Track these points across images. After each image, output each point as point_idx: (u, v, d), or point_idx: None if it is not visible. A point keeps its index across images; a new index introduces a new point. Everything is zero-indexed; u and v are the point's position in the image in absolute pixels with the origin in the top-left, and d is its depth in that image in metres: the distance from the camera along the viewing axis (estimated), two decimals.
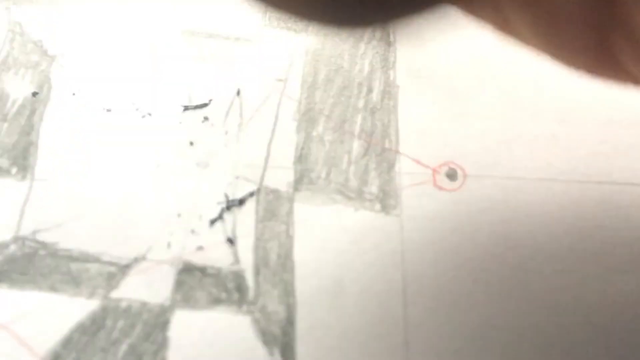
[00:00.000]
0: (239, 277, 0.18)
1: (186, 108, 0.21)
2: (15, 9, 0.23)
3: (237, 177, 0.20)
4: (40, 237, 0.18)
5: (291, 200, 0.19)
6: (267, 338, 0.17)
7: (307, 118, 0.21)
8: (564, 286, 0.18)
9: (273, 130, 0.21)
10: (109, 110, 0.21)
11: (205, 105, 0.21)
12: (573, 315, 0.17)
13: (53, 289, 0.17)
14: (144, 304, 0.17)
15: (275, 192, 0.20)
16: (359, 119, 0.21)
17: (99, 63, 0.22)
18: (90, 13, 0.23)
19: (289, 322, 0.17)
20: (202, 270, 0.18)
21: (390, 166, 0.20)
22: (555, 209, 0.19)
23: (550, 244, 0.18)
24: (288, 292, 0.18)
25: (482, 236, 0.19)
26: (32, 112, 0.21)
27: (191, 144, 0.20)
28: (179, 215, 0.19)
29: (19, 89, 0.21)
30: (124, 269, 0.18)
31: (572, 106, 0.21)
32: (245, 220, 0.19)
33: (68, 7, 0.23)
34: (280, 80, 0.22)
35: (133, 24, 0.23)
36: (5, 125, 0.20)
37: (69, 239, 0.18)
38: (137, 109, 0.21)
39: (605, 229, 0.19)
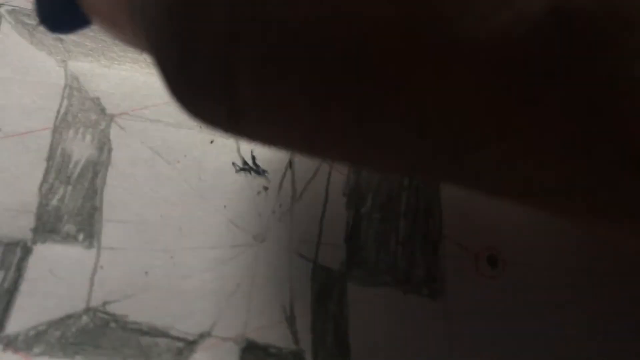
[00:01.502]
0: (298, 357, 0.19)
1: (242, 169, 0.22)
2: (71, 64, 0.24)
3: (292, 253, 0.21)
4: (111, 308, 0.19)
5: (344, 279, 0.21)
6: None
7: (356, 193, 0.22)
8: None
9: (324, 205, 0.22)
10: (176, 177, 0.22)
11: (260, 172, 0.22)
12: None
13: None
14: None
15: (328, 271, 0.21)
16: (404, 197, 0.23)
17: (157, 125, 0.23)
18: (146, 71, 0.24)
19: None
20: (265, 349, 0.19)
21: (435, 249, 0.22)
22: (596, 299, 0.21)
23: (593, 332, 0.20)
24: None
25: (524, 322, 0.20)
26: (95, 175, 0.22)
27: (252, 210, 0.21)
28: (240, 290, 0.20)
29: (80, 149, 0.22)
30: (192, 345, 0.19)
31: None
32: (302, 297, 0.20)
33: (123, 64, 0.24)
34: None
35: None
36: (70, 188, 0.21)
37: (137, 312, 0.19)
38: (199, 177, 0.22)
39: None
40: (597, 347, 0.20)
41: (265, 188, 0.22)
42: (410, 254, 0.22)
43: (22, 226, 0.20)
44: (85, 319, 0.19)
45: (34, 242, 0.20)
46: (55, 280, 0.20)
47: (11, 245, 0.20)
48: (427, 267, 0.21)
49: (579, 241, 0.22)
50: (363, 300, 0.20)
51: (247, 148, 0.23)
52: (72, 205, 0.21)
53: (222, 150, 0.23)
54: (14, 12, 0.24)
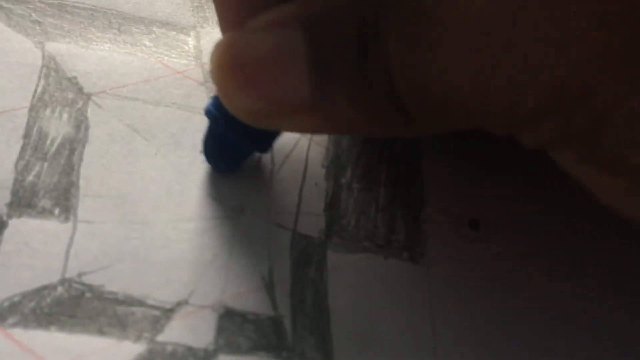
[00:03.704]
0: (277, 323, 0.19)
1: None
2: (48, 44, 0.24)
3: (271, 223, 0.21)
4: (86, 279, 0.19)
5: (323, 246, 0.21)
6: None
7: (336, 165, 0.22)
8: (599, 334, 0.19)
9: (303, 177, 0.22)
10: (153, 154, 0.22)
11: None
12: None
13: (101, 332, 0.18)
14: (189, 349, 0.18)
15: (307, 239, 0.21)
16: (384, 167, 0.23)
17: (135, 103, 0.23)
18: (124, 50, 0.24)
19: None
20: (243, 315, 0.19)
21: (416, 215, 0.22)
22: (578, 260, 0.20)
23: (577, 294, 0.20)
24: (325, 339, 0.19)
25: (505, 283, 0.20)
26: (72, 152, 0.22)
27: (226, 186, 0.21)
28: (217, 260, 0.20)
29: (57, 127, 0.22)
30: (168, 313, 0.19)
31: None
32: (280, 265, 0.20)
33: (101, 44, 0.24)
34: None
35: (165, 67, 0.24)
36: (46, 164, 0.21)
37: (114, 282, 0.19)
38: (177, 153, 0.22)
39: None
40: (579, 308, 0.20)
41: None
42: (390, 221, 0.21)
43: None
44: (60, 289, 0.19)
45: (9, 216, 0.20)
46: (31, 253, 0.19)
47: None
48: (408, 233, 0.21)
49: (563, 204, 0.22)
50: (343, 266, 0.20)
51: None
52: (48, 181, 0.21)
53: (200, 127, 0.22)
54: None
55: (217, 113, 0.19)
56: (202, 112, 0.21)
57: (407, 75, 0.15)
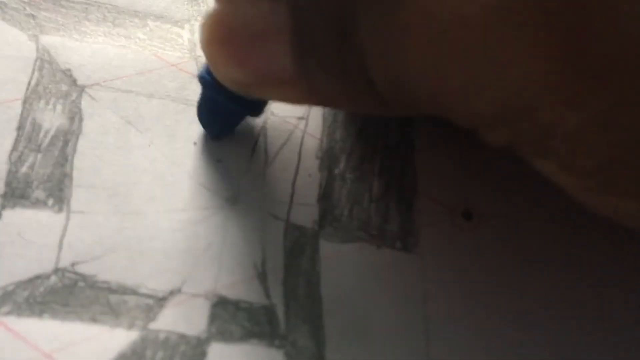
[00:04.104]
0: (270, 311, 0.19)
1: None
2: (43, 37, 0.24)
3: (264, 213, 0.21)
4: (79, 269, 0.19)
5: (316, 236, 0.21)
6: None
7: (329, 156, 0.22)
8: (592, 324, 0.19)
9: (297, 168, 0.22)
10: (147, 146, 0.22)
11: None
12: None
13: (94, 320, 0.18)
14: (181, 336, 0.18)
15: (300, 229, 0.21)
16: (378, 158, 0.23)
17: (129, 95, 0.23)
18: (118, 43, 0.24)
19: (320, 356, 0.18)
20: (236, 304, 0.19)
21: (409, 205, 0.22)
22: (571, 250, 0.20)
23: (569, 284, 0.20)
24: (317, 327, 0.19)
25: (498, 273, 0.20)
26: (65, 143, 0.22)
27: (219, 174, 0.21)
28: (211, 249, 0.20)
29: (50, 119, 0.22)
30: (161, 301, 0.19)
31: None
32: (273, 255, 0.20)
33: (96, 37, 0.24)
34: (301, 118, 0.23)
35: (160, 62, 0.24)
36: (40, 156, 0.21)
37: (107, 271, 0.19)
38: (171, 145, 0.22)
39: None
40: (572, 297, 0.20)
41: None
42: (384, 211, 0.21)
43: None
44: (53, 279, 0.19)
45: (3, 207, 0.20)
46: (24, 243, 0.19)
47: None
48: (401, 222, 0.21)
49: (556, 194, 0.22)
50: (336, 255, 0.20)
51: None
52: (42, 172, 0.21)
53: (195, 119, 0.23)
54: None
55: (209, 78, 0.20)
56: (196, 104, 0.21)
57: (377, 62, 0.15)
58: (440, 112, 0.16)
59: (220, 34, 0.17)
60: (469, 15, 0.13)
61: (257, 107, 0.21)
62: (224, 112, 0.21)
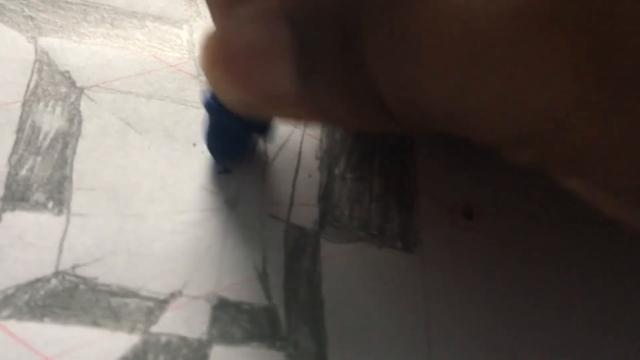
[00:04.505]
0: (271, 313, 0.19)
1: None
2: (41, 39, 0.24)
3: (264, 214, 0.21)
4: (80, 271, 0.19)
5: (317, 237, 0.21)
6: None
7: (329, 156, 0.22)
8: (591, 323, 0.19)
9: (297, 168, 0.22)
10: (147, 147, 0.22)
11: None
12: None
13: (95, 323, 0.18)
14: (183, 339, 0.18)
15: (301, 229, 0.21)
16: (377, 157, 0.23)
17: (128, 97, 0.23)
18: (117, 45, 0.24)
19: (322, 357, 0.18)
20: (237, 306, 0.19)
21: (410, 205, 0.21)
22: (571, 248, 0.20)
23: (569, 282, 0.20)
24: (319, 328, 0.19)
25: (499, 272, 0.20)
26: (65, 145, 0.22)
27: (219, 176, 0.21)
28: (211, 251, 0.20)
29: (50, 121, 0.22)
30: (162, 304, 0.19)
31: None
32: (274, 256, 0.20)
33: (94, 39, 0.24)
34: None
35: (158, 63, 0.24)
36: (39, 158, 0.21)
37: (107, 274, 0.19)
38: (171, 146, 0.22)
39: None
40: (573, 295, 0.20)
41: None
42: (384, 211, 0.21)
43: None
44: (54, 282, 0.19)
45: (3, 210, 0.20)
46: (24, 246, 0.19)
47: None
48: (402, 222, 0.21)
49: (557, 192, 0.22)
50: (336, 255, 0.20)
51: None
52: (42, 175, 0.21)
53: (195, 119, 0.22)
54: None
55: (216, 105, 0.19)
56: (195, 105, 0.22)
57: (387, 79, 0.14)
58: (457, 132, 0.15)
59: (223, 56, 0.16)
60: (494, 18, 0.12)
61: (268, 129, 0.21)
62: (235, 138, 0.21)
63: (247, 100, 0.17)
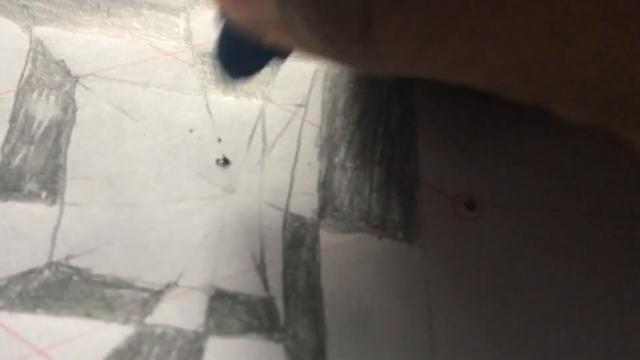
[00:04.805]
0: (269, 304, 0.19)
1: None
2: (36, 29, 0.23)
3: (262, 203, 0.20)
4: (74, 262, 0.19)
5: (316, 227, 0.20)
6: None
7: (329, 144, 0.22)
8: (591, 315, 0.19)
9: (296, 157, 0.21)
10: (142, 135, 0.21)
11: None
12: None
13: (88, 314, 0.18)
14: (178, 331, 0.18)
15: (300, 219, 0.20)
16: (378, 146, 0.22)
17: (124, 85, 0.22)
18: (113, 33, 0.24)
19: (320, 350, 0.18)
20: (234, 297, 0.19)
21: (411, 195, 0.21)
22: (573, 240, 0.20)
23: (570, 274, 0.19)
24: (318, 320, 0.18)
25: (502, 263, 0.19)
26: (59, 134, 0.21)
27: (217, 165, 0.21)
28: (208, 241, 0.19)
29: (44, 110, 0.22)
30: (157, 295, 0.18)
31: None
32: (272, 246, 0.19)
33: (90, 28, 0.24)
34: (300, 105, 0.22)
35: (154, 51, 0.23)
36: (33, 148, 0.21)
37: (102, 265, 0.19)
38: (167, 134, 0.21)
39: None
40: (575, 288, 0.19)
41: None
42: (385, 201, 0.21)
43: None
44: (47, 273, 0.18)
45: None
46: (17, 237, 0.19)
47: None
48: (403, 212, 0.21)
49: (560, 184, 0.21)
50: (336, 246, 0.20)
51: (217, 105, 0.23)
52: (35, 164, 0.20)
53: (191, 106, 0.22)
54: None
55: None
56: (192, 92, 0.21)
57: (398, 52, 0.13)
58: (497, 91, 0.14)
59: None
60: None
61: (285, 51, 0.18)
62: (251, 51, 0.19)
63: (243, 23, 0.17)
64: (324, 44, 0.15)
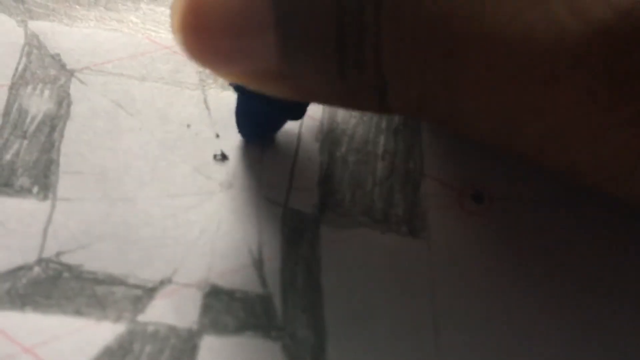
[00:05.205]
0: (267, 301, 0.18)
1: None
2: (32, 23, 0.23)
3: (261, 198, 0.19)
4: (64, 259, 0.18)
5: (317, 222, 0.19)
6: None
7: (330, 138, 0.21)
8: (601, 309, 0.18)
9: (296, 151, 0.21)
10: (138, 129, 0.20)
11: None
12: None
13: (78, 312, 0.17)
14: (171, 329, 0.17)
15: (300, 214, 0.19)
16: (381, 139, 0.21)
17: (120, 79, 0.22)
18: (110, 27, 0.23)
19: (320, 349, 0.17)
20: (230, 294, 0.18)
21: (415, 188, 0.20)
22: (584, 233, 0.19)
23: (584, 268, 0.18)
24: (317, 318, 0.18)
25: (510, 258, 0.19)
26: (52, 129, 0.21)
27: (214, 161, 0.20)
28: (203, 236, 0.19)
29: (37, 104, 0.21)
30: (150, 292, 0.18)
31: None
32: (271, 242, 0.19)
33: (87, 22, 0.23)
34: None
35: (151, 44, 0.23)
36: (25, 142, 0.20)
37: (93, 261, 0.18)
38: (163, 128, 0.21)
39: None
40: (582, 284, 0.18)
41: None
42: (388, 194, 0.20)
43: None
44: (36, 270, 0.18)
45: None
46: (7, 233, 0.18)
47: None
48: (407, 206, 0.20)
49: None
50: (337, 241, 0.19)
51: (215, 100, 0.22)
52: (28, 159, 0.20)
53: (189, 101, 0.21)
54: None
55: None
56: (191, 86, 0.21)
57: (401, 86, 0.13)
58: (492, 141, 0.15)
59: (193, 21, 0.14)
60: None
61: (299, 110, 0.19)
62: (263, 118, 0.20)
63: (228, 74, 0.15)
64: (338, 95, 0.14)
